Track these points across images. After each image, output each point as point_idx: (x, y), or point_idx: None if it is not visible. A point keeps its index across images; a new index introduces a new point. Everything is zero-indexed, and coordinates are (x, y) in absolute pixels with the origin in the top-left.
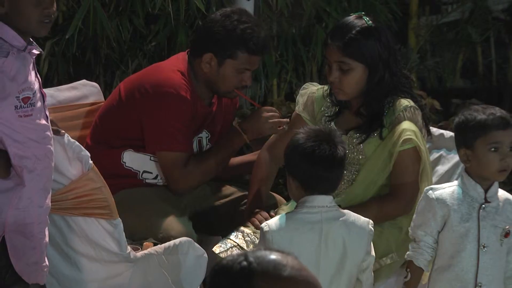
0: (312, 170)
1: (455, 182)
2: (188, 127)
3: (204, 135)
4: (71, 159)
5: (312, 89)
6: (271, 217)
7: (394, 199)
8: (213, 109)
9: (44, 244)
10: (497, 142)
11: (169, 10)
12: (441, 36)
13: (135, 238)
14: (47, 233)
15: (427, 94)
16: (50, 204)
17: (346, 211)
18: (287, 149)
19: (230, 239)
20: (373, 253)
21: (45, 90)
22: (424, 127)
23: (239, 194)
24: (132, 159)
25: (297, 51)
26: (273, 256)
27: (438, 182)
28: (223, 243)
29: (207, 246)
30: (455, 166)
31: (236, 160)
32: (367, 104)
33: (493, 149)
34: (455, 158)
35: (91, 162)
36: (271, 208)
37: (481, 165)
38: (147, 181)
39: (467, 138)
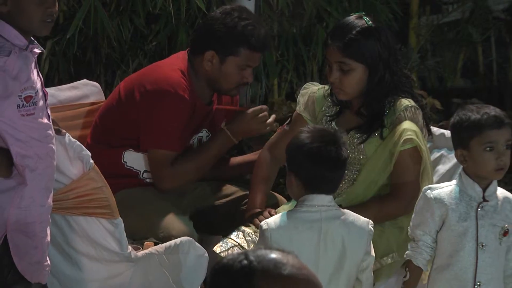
0: (316, 170)
1: (453, 182)
2: (184, 127)
3: (204, 134)
4: (72, 159)
5: (313, 89)
6: (271, 215)
7: (395, 199)
8: (212, 108)
9: (46, 244)
10: (492, 141)
11: (170, 9)
12: (442, 35)
13: (136, 238)
14: (49, 232)
15: (428, 93)
16: (52, 203)
17: (345, 210)
18: (290, 147)
19: (231, 238)
20: (373, 253)
21: (46, 90)
22: (424, 126)
23: (240, 193)
24: (133, 159)
25: (298, 50)
26: (274, 255)
27: (439, 182)
28: (224, 243)
29: (208, 245)
30: (456, 165)
31: (236, 160)
32: (368, 104)
33: (488, 148)
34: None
35: (92, 161)
36: (272, 208)
37: (478, 165)
38: (148, 180)
39: (462, 139)
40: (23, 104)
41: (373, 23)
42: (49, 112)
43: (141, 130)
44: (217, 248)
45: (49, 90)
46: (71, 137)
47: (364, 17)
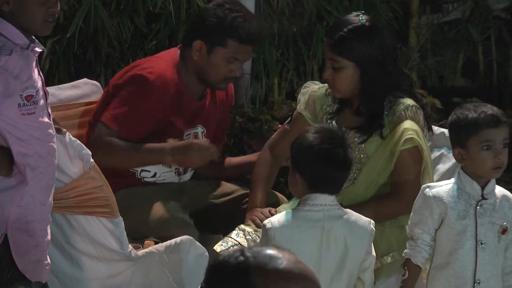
0: (324, 171)
1: (452, 180)
2: (146, 116)
3: (199, 130)
4: (72, 158)
5: (314, 88)
6: (272, 215)
7: (396, 198)
8: (205, 103)
9: (46, 242)
10: (489, 140)
11: (170, 8)
12: (442, 35)
13: (136, 237)
14: (49, 231)
15: (428, 93)
16: (52, 202)
17: (348, 210)
18: (296, 147)
19: (231, 237)
20: (373, 253)
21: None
22: (425, 125)
23: (241, 192)
24: None
25: (298, 50)
26: (269, 250)
27: (439, 181)
28: (224, 242)
29: (209, 244)
30: (456, 164)
31: (236, 160)
32: (364, 104)
33: (485, 147)
34: None
35: (92, 160)
36: (273, 206)
37: (475, 164)
38: (145, 179)
39: (459, 137)
40: (24, 103)
41: (368, 22)
42: (49, 111)
43: (103, 100)
44: (218, 247)
45: (50, 89)
46: (71, 136)
47: (361, 16)
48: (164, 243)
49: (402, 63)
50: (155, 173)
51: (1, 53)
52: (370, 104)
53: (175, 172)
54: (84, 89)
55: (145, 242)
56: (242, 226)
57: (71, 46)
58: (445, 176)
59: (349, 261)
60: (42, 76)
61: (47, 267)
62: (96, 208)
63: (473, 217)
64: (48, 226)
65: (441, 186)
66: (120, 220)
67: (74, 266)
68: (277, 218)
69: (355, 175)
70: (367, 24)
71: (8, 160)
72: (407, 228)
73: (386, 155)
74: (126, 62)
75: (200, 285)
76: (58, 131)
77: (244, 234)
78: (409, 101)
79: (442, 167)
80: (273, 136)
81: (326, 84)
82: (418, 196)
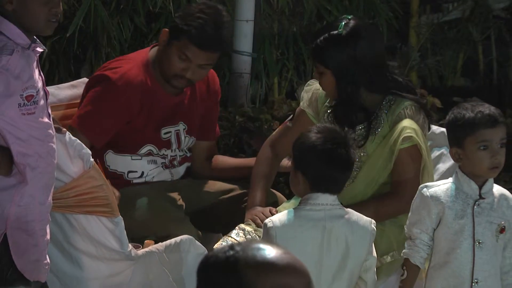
0: (326, 171)
1: (450, 179)
2: (109, 117)
3: (181, 127)
4: (72, 157)
5: (317, 86)
6: (273, 215)
7: (395, 197)
8: (184, 99)
9: (46, 242)
10: (486, 140)
11: (170, 8)
12: (442, 34)
13: (134, 237)
14: (48, 230)
15: (428, 92)
16: (51, 201)
17: (349, 209)
18: (299, 146)
19: (231, 237)
20: (374, 253)
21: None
22: (425, 124)
23: (240, 191)
24: (114, 161)
25: (298, 49)
26: (258, 244)
27: (439, 180)
28: (224, 241)
29: (208, 243)
30: (456, 164)
31: (235, 161)
32: (340, 110)
33: (482, 147)
34: None
35: (92, 160)
36: (272, 206)
37: (472, 163)
38: (134, 181)
39: (457, 137)
40: (24, 103)
41: (346, 31)
42: (49, 111)
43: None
44: (217, 247)
45: (49, 88)
46: (71, 136)
47: (341, 23)
48: (164, 243)
49: (395, 69)
50: (142, 172)
51: (2, 53)
52: (346, 111)
53: (163, 167)
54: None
55: (145, 241)
56: (242, 225)
57: (71, 46)
58: (445, 175)
59: (350, 260)
60: (43, 76)
61: (46, 267)
62: (96, 208)
63: (470, 217)
64: (48, 226)
65: (438, 185)
66: (120, 219)
67: (74, 266)
68: (279, 217)
69: (355, 173)
70: (344, 33)
71: (8, 160)
72: (405, 228)
73: (386, 153)
74: None
75: None
76: (58, 130)
77: (244, 234)
78: (409, 101)
79: (442, 167)
80: (274, 133)
81: None
82: (416, 196)
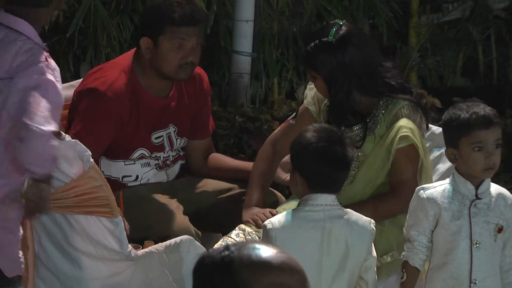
0: (322, 170)
1: (447, 180)
2: (101, 127)
3: (171, 129)
4: (72, 158)
5: None
6: (273, 215)
7: (393, 197)
8: (172, 101)
9: (20, 237)
10: (481, 141)
11: None
12: (442, 34)
13: (134, 237)
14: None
15: (428, 92)
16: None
17: (348, 210)
18: (295, 146)
19: (231, 237)
20: (374, 253)
21: None
22: (423, 124)
23: (238, 190)
24: (108, 167)
25: (298, 49)
26: (253, 243)
27: (439, 180)
28: (224, 242)
29: (208, 243)
30: None
31: (234, 163)
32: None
33: (477, 148)
34: None
35: (92, 160)
36: (272, 206)
37: (467, 164)
38: (129, 184)
39: (452, 138)
40: None
41: (336, 38)
42: None
43: (70, 109)
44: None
45: None
46: (70, 137)
47: (333, 30)
48: (164, 243)
49: (390, 70)
50: (137, 176)
51: (41, 54)
52: (338, 115)
53: (157, 168)
54: None
55: (145, 242)
56: (242, 226)
57: (71, 46)
58: (445, 175)
59: (350, 261)
60: None
61: (21, 259)
62: (96, 208)
63: (467, 217)
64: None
65: (435, 187)
66: (120, 220)
67: (74, 266)
68: (278, 219)
69: (353, 173)
70: (334, 40)
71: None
72: (404, 230)
73: (383, 153)
74: None
75: None
76: (58, 134)
77: (244, 234)
78: (406, 101)
79: (442, 167)
80: (275, 131)
81: None
82: (412, 198)
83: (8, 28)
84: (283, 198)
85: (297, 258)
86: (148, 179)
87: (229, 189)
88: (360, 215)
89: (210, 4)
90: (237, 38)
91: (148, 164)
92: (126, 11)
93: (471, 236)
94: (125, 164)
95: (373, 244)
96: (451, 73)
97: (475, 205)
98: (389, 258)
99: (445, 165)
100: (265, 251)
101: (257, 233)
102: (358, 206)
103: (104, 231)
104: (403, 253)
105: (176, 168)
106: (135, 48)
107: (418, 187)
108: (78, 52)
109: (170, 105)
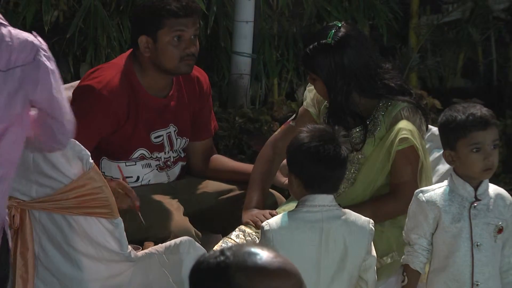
0: (315, 169)
1: (445, 182)
2: (95, 126)
3: (171, 129)
4: (72, 159)
5: None
6: (272, 216)
7: (393, 198)
8: (172, 100)
9: None
10: (478, 142)
11: None
12: (442, 35)
13: (134, 238)
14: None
15: (428, 93)
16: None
17: (346, 210)
18: (289, 147)
19: (231, 239)
20: (373, 253)
21: None
22: (423, 125)
23: (238, 192)
24: (109, 168)
25: (298, 50)
26: (249, 248)
27: (439, 181)
28: (224, 243)
29: (208, 244)
30: None
31: (234, 165)
32: (332, 117)
33: (475, 150)
34: None
35: (91, 161)
36: (271, 207)
37: (465, 166)
38: (130, 185)
39: (449, 140)
40: None
41: (335, 40)
42: None
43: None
44: (217, 249)
45: None
46: None
47: (331, 32)
48: (164, 244)
49: (389, 71)
50: (138, 177)
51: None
52: (338, 117)
53: (158, 169)
54: None
55: (145, 243)
56: (242, 227)
57: (71, 47)
58: (445, 177)
59: (349, 261)
60: None
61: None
62: (96, 209)
63: (467, 219)
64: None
65: (434, 190)
66: (119, 221)
67: (74, 267)
68: (275, 220)
69: (354, 175)
70: (332, 42)
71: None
72: (403, 234)
73: (383, 155)
74: None
75: None
76: None
77: (244, 235)
78: (405, 103)
79: (442, 168)
80: (276, 133)
81: None
82: (412, 201)
83: None
84: (283, 199)
85: (295, 259)
86: (149, 180)
87: (230, 190)
88: (359, 215)
89: (210, 5)
90: (237, 39)
91: (149, 165)
92: (126, 12)
93: (471, 238)
94: (126, 165)
95: (372, 244)
96: (451, 74)
97: (474, 206)
98: (389, 259)
99: (445, 166)
100: (261, 256)
101: (257, 234)
102: (358, 207)
103: (104, 232)
104: (403, 257)
105: (176, 169)
106: (130, 50)
107: (417, 190)
108: (78, 53)
109: (169, 105)
